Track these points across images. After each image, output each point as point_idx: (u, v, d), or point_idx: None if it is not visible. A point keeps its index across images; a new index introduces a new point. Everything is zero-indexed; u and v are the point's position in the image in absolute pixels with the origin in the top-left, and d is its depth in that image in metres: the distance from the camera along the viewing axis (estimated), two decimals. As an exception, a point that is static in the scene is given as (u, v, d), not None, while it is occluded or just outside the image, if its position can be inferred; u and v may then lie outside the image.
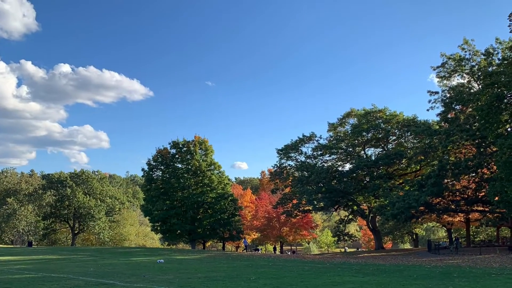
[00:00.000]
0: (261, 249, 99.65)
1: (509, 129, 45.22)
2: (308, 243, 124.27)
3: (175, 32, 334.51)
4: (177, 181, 73.24)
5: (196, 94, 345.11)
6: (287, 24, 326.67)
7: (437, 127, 58.19)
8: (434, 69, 57.71)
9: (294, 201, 74.71)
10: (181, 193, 73.55)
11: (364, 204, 73.72)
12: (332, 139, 73.86)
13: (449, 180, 54.81)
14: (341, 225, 79.14)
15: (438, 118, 58.16)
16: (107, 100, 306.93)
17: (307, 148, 74.94)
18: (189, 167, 74.54)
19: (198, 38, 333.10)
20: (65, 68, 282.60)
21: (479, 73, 52.10)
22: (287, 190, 77.62)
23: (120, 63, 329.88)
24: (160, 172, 76.73)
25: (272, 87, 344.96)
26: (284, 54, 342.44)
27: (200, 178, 74.33)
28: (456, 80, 57.14)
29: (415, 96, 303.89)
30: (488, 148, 50.31)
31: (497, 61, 49.88)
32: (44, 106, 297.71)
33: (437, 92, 57.88)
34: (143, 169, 77.24)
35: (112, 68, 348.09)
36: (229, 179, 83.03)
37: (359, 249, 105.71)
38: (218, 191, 74.58)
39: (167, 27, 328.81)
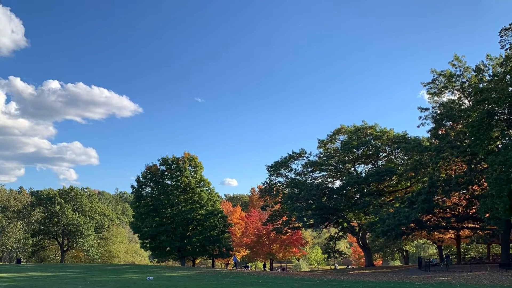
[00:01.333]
0: (250, 266, 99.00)
1: (500, 146, 45.37)
2: (298, 260, 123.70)
3: (164, 49, 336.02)
4: (167, 198, 72.72)
5: (185, 111, 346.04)
6: (277, 40, 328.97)
7: (428, 143, 58.11)
8: (425, 86, 57.58)
9: (284, 218, 74.50)
10: (170, 210, 72.97)
11: (354, 221, 73.39)
12: (322, 155, 73.61)
13: (439, 197, 54.80)
14: (331, 242, 78.67)
15: (428, 135, 58.07)
16: (96, 116, 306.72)
17: (297, 165, 74.93)
18: (179, 184, 74.05)
19: (187, 54, 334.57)
20: (54, 84, 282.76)
21: (470, 90, 52.31)
22: (277, 207, 77.29)
23: (109, 80, 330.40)
24: (150, 189, 76.12)
25: (262, 104, 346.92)
26: (274, 70, 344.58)
27: (190, 195, 73.89)
28: (446, 97, 57.20)
29: (406, 113, 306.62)
30: (478, 165, 50.38)
31: (487, 78, 50.22)
32: (33, 123, 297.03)
33: (427, 109, 57.55)
34: (132, 186, 76.74)
35: (101, 85, 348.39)
36: (218, 196, 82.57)
37: (349, 266, 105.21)
38: (208, 208, 74.10)
39: (156, 43, 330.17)
